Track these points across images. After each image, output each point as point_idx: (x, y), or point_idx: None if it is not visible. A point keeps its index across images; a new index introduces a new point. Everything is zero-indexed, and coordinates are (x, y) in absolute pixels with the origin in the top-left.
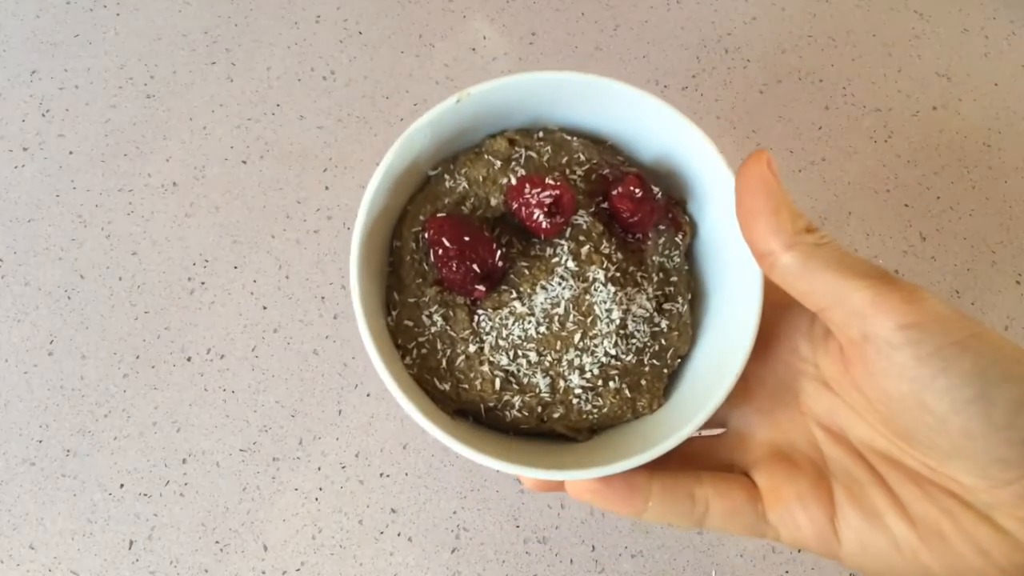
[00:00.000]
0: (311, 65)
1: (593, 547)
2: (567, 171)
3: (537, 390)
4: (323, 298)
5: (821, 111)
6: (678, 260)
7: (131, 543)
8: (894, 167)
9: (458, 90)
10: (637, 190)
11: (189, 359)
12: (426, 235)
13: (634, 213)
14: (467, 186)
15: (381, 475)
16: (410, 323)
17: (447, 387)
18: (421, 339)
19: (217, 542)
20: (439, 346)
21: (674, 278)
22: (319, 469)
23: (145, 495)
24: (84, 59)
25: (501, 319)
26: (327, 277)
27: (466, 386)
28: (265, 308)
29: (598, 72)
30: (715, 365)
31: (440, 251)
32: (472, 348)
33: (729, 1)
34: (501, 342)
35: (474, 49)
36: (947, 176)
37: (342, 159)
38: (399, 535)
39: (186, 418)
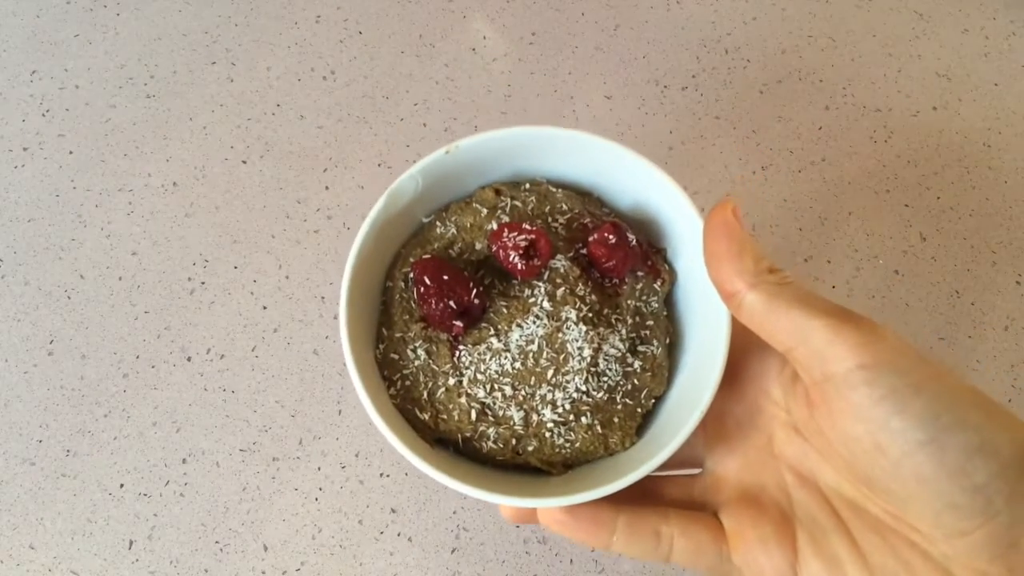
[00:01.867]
0: (311, 65)
1: (593, 547)
2: (549, 219)
3: (511, 423)
4: (323, 298)
5: (821, 111)
6: (656, 306)
7: (131, 543)
8: (894, 167)
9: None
10: (611, 237)
11: (189, 359)
12: (412, 275)
13: (609, 258)
14: (456, 232)
15: (381, 475)
16: (395, 356)
17: (427, 417)
18: (405, 371)
19: (217, 542)
20: (421, 379)
21: (650, 322)
22: (319, 469)
23: (145, 495)
24: (84, 59)
25: (479, 354)
26: (327, 277)
27: (444, 416)
28: (265, 308)
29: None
30: (686, 404)
31: (422, 289)
32: (452, 381)
33: (729, 1)
34: (479, 376)
35: (474, 49)
36: (947, 176)
37: (342, 159)
38: (399, 535)
39: (186, 418)
